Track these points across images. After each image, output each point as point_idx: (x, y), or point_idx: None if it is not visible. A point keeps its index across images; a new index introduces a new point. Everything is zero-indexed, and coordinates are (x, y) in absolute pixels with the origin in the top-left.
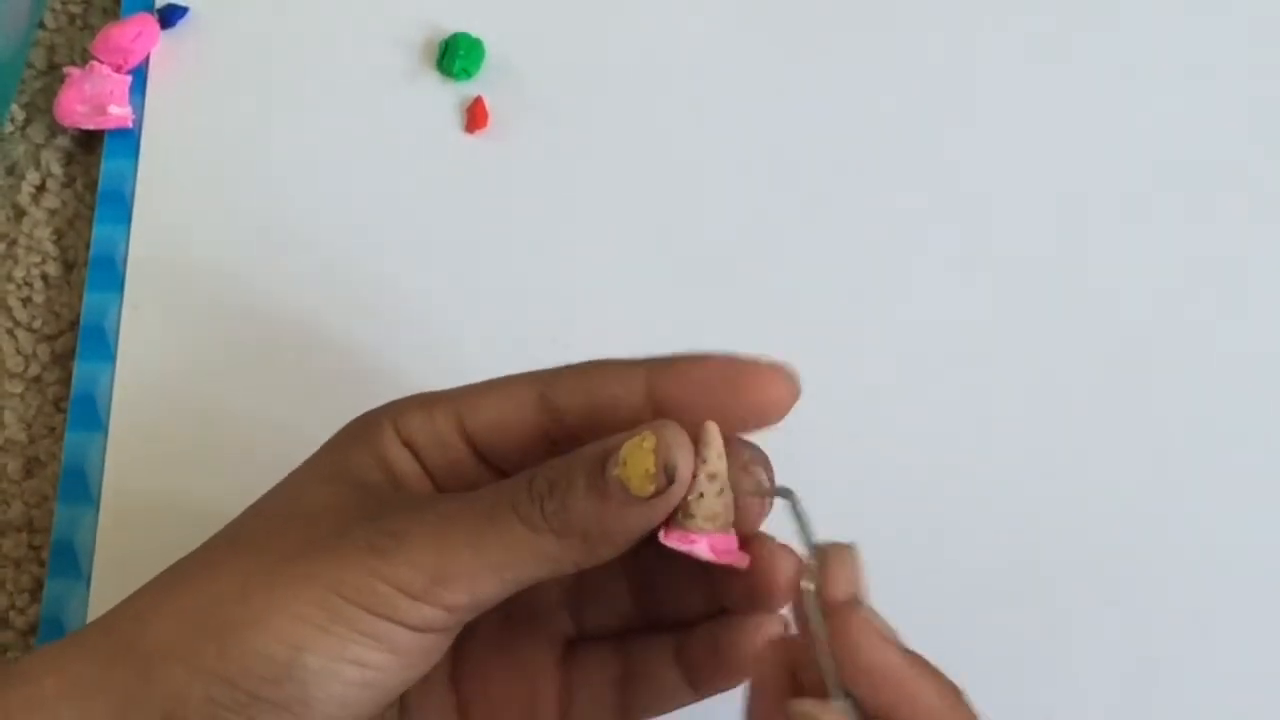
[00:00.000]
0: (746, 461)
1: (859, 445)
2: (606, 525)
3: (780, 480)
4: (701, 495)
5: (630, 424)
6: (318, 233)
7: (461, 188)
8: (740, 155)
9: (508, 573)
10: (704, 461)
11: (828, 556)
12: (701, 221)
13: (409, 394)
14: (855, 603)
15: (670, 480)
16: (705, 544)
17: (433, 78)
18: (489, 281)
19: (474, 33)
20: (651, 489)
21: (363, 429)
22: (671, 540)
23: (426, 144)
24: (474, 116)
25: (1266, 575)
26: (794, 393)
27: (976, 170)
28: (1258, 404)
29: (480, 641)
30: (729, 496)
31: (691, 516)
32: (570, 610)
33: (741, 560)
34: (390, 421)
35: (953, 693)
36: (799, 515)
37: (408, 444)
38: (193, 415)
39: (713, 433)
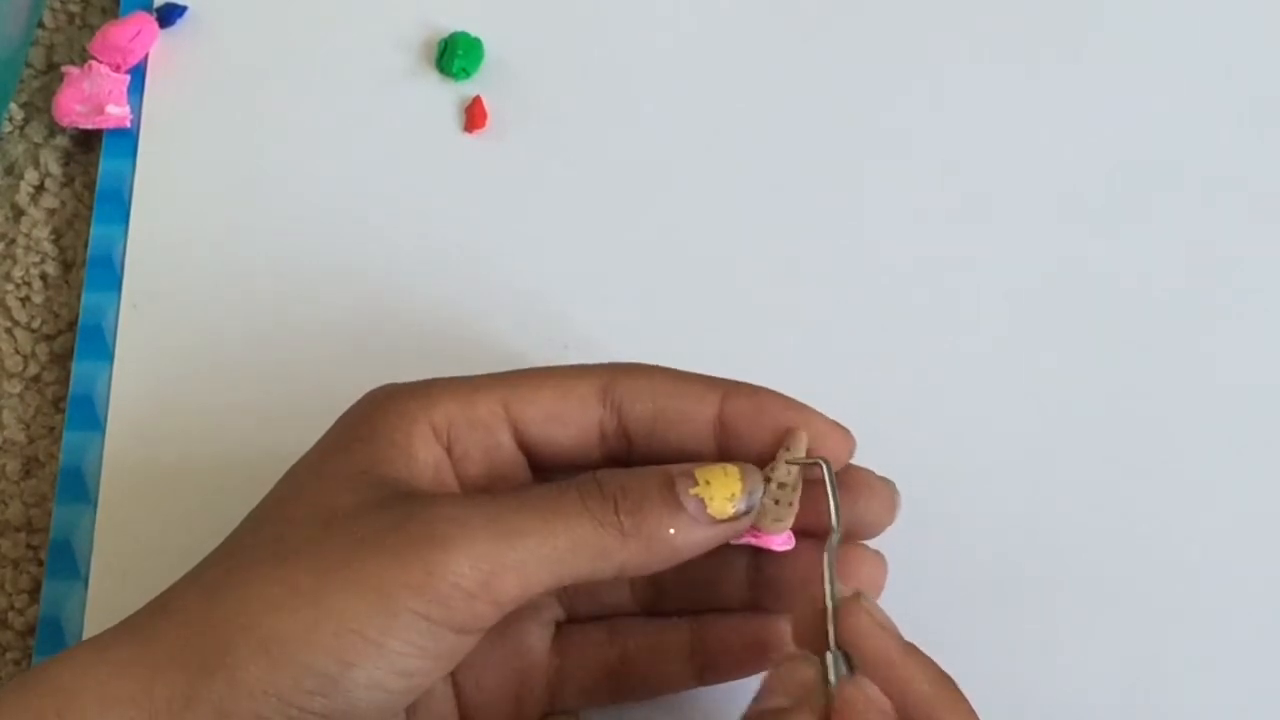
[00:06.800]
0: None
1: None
2: (676, 537)
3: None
4: (777, 501)
5: (693, 441)
6: (316, 232)
7: (460, 188)
8: (742, 153)
9: (563, 567)
10: (787, 452)
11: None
12: (703, 220)
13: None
14: (856, 595)
15: (748, 509)
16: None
17: (432, 77)
18: (488, 281)
19: (473, 32)
20: (730, 511)
21: (392, 421)
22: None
23: (425, 144)
24: (473, 116)
25: (1266, 575)
26: (849, 448)
27: (975, 169)
28: (1258, 403)
29: None
30: (798, 496)
31: (764, 515)
32: (560, 596)
33: (788, 543)
34: (424, 414)
35: (943, 679)
36: (830, 484)
37: (443, 439)
38: (191, 415)
39: (802, 439)
